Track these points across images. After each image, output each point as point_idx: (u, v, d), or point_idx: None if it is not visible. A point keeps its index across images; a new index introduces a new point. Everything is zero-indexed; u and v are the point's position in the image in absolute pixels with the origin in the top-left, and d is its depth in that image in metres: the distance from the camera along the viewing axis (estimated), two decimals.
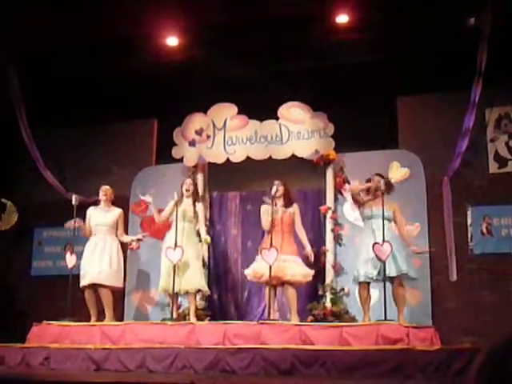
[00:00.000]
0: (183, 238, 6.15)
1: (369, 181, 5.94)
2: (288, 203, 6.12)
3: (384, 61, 6.55)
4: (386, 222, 5.66)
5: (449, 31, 6.23)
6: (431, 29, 6.26)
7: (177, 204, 6.20)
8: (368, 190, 5.91)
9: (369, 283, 5.70)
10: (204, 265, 6.68)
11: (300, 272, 5.89)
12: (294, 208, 6.15)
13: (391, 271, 5.50)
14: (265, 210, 6.03)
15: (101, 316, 6.30)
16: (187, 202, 6.35)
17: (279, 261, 5.71)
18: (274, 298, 6.03)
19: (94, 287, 6.32)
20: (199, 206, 6.36)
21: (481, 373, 0.87)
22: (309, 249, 6.01)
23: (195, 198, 6.41)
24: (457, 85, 6.31)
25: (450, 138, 6.38)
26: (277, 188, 5.99)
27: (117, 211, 6.59)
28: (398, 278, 5.59)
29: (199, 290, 6.22)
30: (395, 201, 5.95)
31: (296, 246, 6.05)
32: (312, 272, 5.99)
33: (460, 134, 6.18)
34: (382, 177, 5.89)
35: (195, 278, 6.09)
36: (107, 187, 6.66)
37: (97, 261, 6.28)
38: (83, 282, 6.29)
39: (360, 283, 5.71)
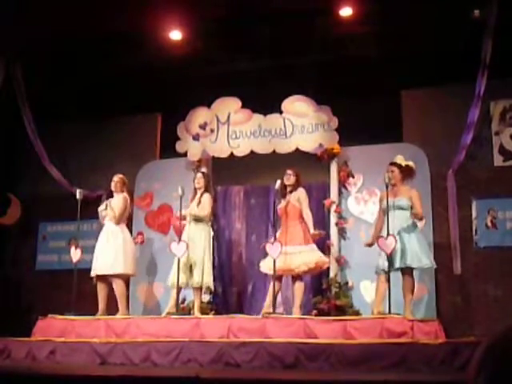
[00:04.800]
0: (190, 232, 6.17)
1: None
2: (294, 190, 6.11)
3: (388, 54, 6.52)
4: (403, 211, 5.64)
5: (454, 24, 6.19)
6: (436, 21, 6.23)
7: (181, 198, 6.20)
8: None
9: (386, 275, 5.64)
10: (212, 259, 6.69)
11: (307, 260, 5.87)
12: (298, 192, 6.10)
13: (397, 263, 5.49)
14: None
15: (107, 311, 6.30)
16: (198, 195, 6.35)
17: (284, 254, 5.73)
18: (278, 292, 6.04)
19: (105, 279, 6.31)
20: (205, 196, 6.30)
21: (481, 365, 0.87)
22: (311, 232, 5.98)
23: (205, 189, 6.36)
24: (461, 78, 6.28)
25: (454, 131, 6.36)
26: (289, 177, 6.07)
27: (116, 198, 6.55)
28: (407, 269, 5.57)
29: (199, 286, 6.17)
30: (414, 188, 5.89)
31: (303, 234, 6.01)
32: (324, 257, 5.97)
33: (465, 127, 6.16)
34: (398, 166, 5.85)
35: (200, 273, 6.08)
36: (116, 175, 6.60)
37: (103, 251, 6.28)
38: (92, 273, 6.30)
39: (377, 275, 5.70)
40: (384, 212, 5.78)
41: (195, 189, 6.41)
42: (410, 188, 5.85)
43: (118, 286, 6.29)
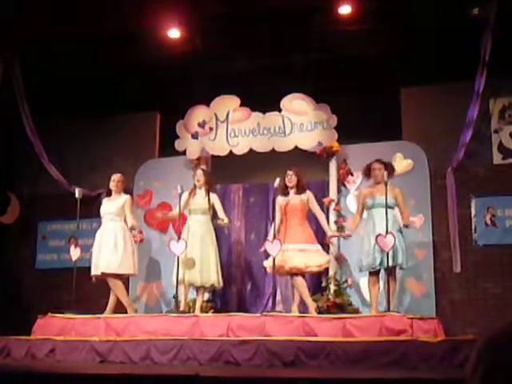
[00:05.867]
0: (199, 231, 6.15)
1: (368, 168, 5.89)
2: (299, 191, 6.09)
3: (387, 51, 6.52)
4: (389, 209, 5.64)
5: (453, 21, 6.18)
6: (435, 19, 6.23)
7: (180, 196, 6.18)
8: (369, 178, 5.86)
9: (376, 274, 5.67)
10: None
11: (319, 261, 5.86)
12: (307, 194, 6.10)
13: (389, 262, 5.49)
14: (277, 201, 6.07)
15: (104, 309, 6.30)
16: (200, 193, 6.31)
17: (283, 251, 5.72)
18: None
19: (107, 277, 6.26)
20: (214, 196, 6.32)
21: (478, 362, 0.87)
22: (329, 234, 6.07)
23: (208, 188, 6.33)
24: (461, 75, 6.27)
25: (453, 129, 6.36)
26: (290, 178, 6.02)
27: (122, 198, 6.50)
28: (392, 268, 5.60)
29: (212, 285, 6.18)
30: (397, 187, 5.91)
31: (309, 233, 6.01)
32: (325, 260, 5.97)
33: (464, 124, 6.16)
34: (383, 163, 5.85)
35: (211, 273, 6.08)
36: (116, 175, 6.56)
37: (104, 250, 6.23)
38: (94, 272, 6.24)
39: (369, 274, 5.71)
40: (364, 209, 5.85)
41: (195, 186, 6.37)
42: (393, 187, 5.84)
43: (117, 286, 6.26)
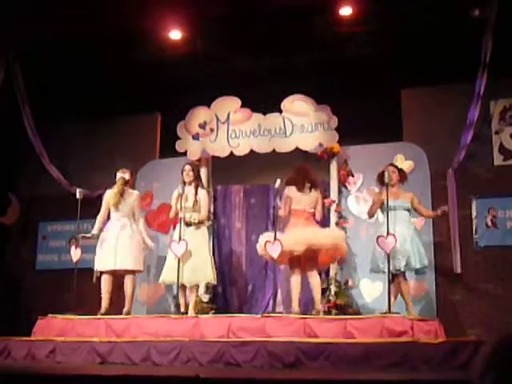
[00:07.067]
0: (190, 229, 6.05)
1: (382, 172, 5.88)
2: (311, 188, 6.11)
3: (388, 53, 6.52)
4: (407, 212, 5.70)
5: (454, 22, 6.19)
6: (436, 20, 6.23)
7: (181, 196, 6.12)
8: (382, 183, 5.84)
9: (403, 275, 5.65)
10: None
11: (330, 236, 5.92)
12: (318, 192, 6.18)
13: (416, 263, 5.53)
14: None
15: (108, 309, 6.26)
16: (189, 190, 6.16)
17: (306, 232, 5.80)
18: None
19: (114, 274, 6.21)
20: (201, 192, 6.17)
21: (489, 364, 0.87)
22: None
23: (197, 184, 6.19)
24: (462, 77, 6.28)
25: (454, 130, 6.36)
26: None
27: (134, 195, 6.42)
28: (402, 272, 5.60)
29: (197, 284, 6.12)
30: (408, 191, 5.93)
31: None
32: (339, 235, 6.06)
33: (465, 126, 6.16)
34: (396, 168, 5.88)
35: (200, 270, 6.00)
36: (126, 170, 6.45)
37: (121, 246, 6.12)
38: (104, 267, 6.13)
39: (393, 276, 5.67)
40: (377, 210, 5.86)
41: (184, 182, 6.18)
42: (406, 190, 5.87)
43: (131, 283, 6.21)
